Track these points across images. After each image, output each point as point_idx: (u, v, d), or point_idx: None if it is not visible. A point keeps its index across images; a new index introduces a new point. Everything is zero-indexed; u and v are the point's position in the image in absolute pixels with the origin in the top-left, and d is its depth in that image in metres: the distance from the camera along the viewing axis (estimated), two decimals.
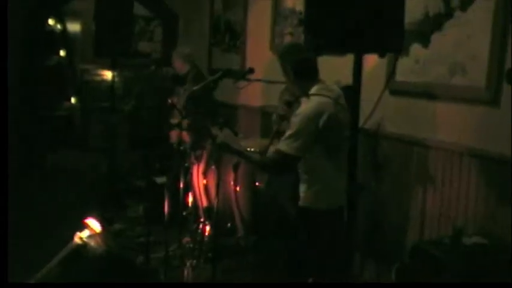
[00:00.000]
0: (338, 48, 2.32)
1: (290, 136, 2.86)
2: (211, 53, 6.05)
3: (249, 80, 3.77)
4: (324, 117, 2.85)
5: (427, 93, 3.47)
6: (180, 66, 4.94)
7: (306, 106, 2.92)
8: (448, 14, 3.28)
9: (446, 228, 3.36)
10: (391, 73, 3.49)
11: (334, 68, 3.44)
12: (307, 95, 2.96)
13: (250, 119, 5.30)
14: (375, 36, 2.20)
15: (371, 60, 3.79)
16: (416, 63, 3.52)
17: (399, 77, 3.63)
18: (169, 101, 4.16)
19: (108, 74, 7.24)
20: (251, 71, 3.78)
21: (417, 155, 3.57)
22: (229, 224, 3.98)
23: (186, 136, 4.02)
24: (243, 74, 3.74)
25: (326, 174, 2.99)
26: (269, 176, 3.43)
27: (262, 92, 4.83)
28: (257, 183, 3.53)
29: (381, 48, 2.30)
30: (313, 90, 2.97)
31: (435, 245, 2.79)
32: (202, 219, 4.15)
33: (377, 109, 3.09)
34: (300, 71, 3.00)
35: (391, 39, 2.25)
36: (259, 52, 5.16)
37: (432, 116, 3.49)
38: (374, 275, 3.83)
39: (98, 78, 8.30)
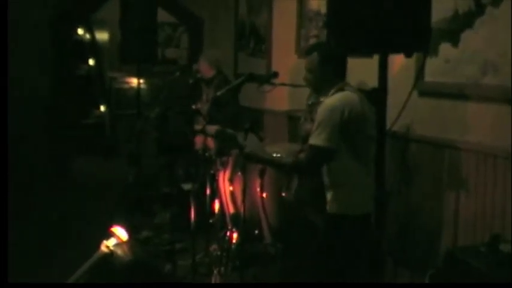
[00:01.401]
0: (362, 50, 2.26)
1: (316, 128, 2.84)
2: (236, 57, 6.01)
3: (273, 84, 3.71)
4: (349, 108, 2.81)
5: (457, 93, 3.35)
6: (206, 70, 4.90)
7: (331, 98, 2.90)
8: (479, 11, 3.15)
9: (482, 234, 3.23)
10: (419, 73, 3.37)
11: (359, 71, 3.36)
12: (333, 92, 2.91)
13: (276, 124, 5.22)
14: (400, 35, 2.13)
15: (398, 61, 3.71)
16: (446, 63, 3.40)
17: (428, 77, 3.52)
18: (194, 106, 4.13)
19: (135, 81, 7.29)
20: (275, 75, 3.73)
21: (448, 158, 3.45)
22: (256, 231, 3.91)
23: (211, 142, 3.97)
24: (267, 78, 3.69)
25: (354, 179, 2.92)
26: (297, 184, 3.36)
27: (288, 96, 4.76)
28: (283, 194, 3.45)
29: (407, 48, 2.22)
30: (340, 85, 2.94)
31: (470, 252, 2.66)
32: (229, 227, 4.09)
33: (405, 111, 3.02)
34: (328, 66, 2.94)
35: (418, 38, 2.17)
36: (285, 56, 5.09)
37: (463, 117, 3.37)
38: (407, 282, 3.71)
39: (126, 85, 8.35)
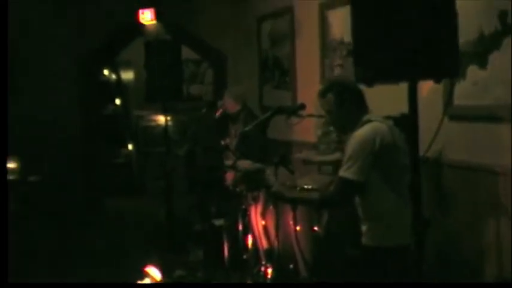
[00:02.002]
0: (391, 78, 2.22)
1: (347, 161, 2.81)
2: (261, 90, 6.02)
3: (301, 116, 3.70)
4: (379, 138, 2.79)
5: (488, 115, 3.28)
6: (231, 105, 4.93)
7: (361, 129, 2.87)
8: (506, 30, 3.10)
9: None
10: (448, 98, 3.32)
11: (384, 98, 3.32)
12: (360, 124, 2.88)
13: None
14: (428, 61, 2.09)
15: (425, 86, 3.66)
16: (474, 85, 3.35)
17: (457, 101, 3.46)
18: (223, 142, 4.14)
19: (161, 119, 7.36)
20: (302, 106, 3.72)
21: (485, 183, 3.36)
22: (291, 266, 3.84)
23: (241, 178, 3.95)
24: (295, 109, 3.68)
25: (389, 210, 2.87)
26: (328, 217, 3.31)
27: (315, 126, 4.71)
28: (315, 228, 3.40)
29: (436, 74, 2.18)
30: (366, 118, 2.90)
31: None
32: (263, 262, 4.03)
33: (437, 136, 2.96)
34: (346, 104, 2.94)
35: (446, 63, 2.13)
36: (310, 86, 5.07)
37: (497, 139, 3.29)
38: None
39: (152, 123, 8.46)
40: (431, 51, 2.07)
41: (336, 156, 4.03)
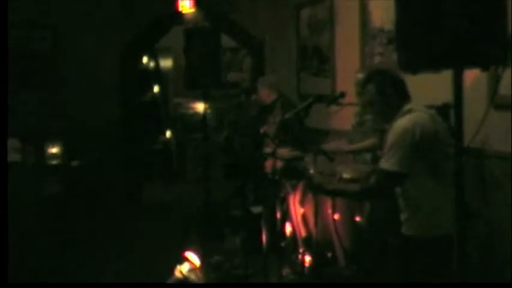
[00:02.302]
0: (435, 65, 2.18)
1: (387, 152, 2.78)
2: (299, 78, 5.99)
3: (341, 104, 3.68)
4: (420, 129, 2.75)
5: None
6: (265, 95, 4.94)
7: (401, 120, 2.83)
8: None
9: None
10: (495, 87, 3.25)
11: (426, 87, 3.27)
12: (401, 115, 2.85)
13: None
14: (475, 49, 2.04)
15: (470, 75, 3.58)
16: None
17: (503, 90, 3.38)
18: (261, 130, 4.14)
19: (199, 106, 7.42)
20: (342, 95, 3.69)
21: None
22: (329, 254, 3.84)
23: (280, 165, 3.95)
24: (335, 98, 3.66)
25: (431, 199, 2.83)
26: (369, 208, 3.29)
27: (354, 114, 4.66)
28: (357, 218, 3.39)
29: (483, 62, 2.13)
30: (407, 107, 2.86)
31: None
32: (301, 250, 4.03)
33: (481, 126, 2.89)
34: (386, 94, 2.90)
35: (494, 50, 2.08)
36: (349, 74, 5.02)
37: None
38: None
39: (190, 110, 8.53)
40: (478, 38, 2.02)
41: (366, 143, 4.00)
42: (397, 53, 2.26)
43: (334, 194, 3.25)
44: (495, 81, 3.19)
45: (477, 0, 2.03)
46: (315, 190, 3.31)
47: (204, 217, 5.29)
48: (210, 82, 5.21)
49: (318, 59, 5.63)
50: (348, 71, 5.11)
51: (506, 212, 3.41)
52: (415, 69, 2.22)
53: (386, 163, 2.75)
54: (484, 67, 2.19)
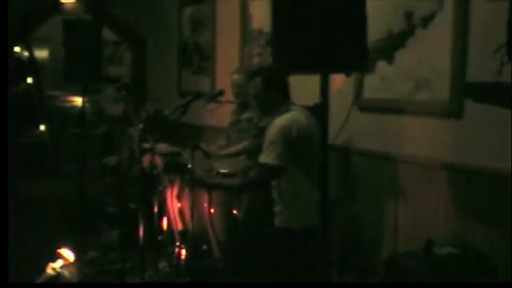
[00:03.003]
0: (305, 68, 2.37)
1: (267, 147, 2.94)
2: (180, 75, 6.06)
3: (220, 102, 3.81)
4: (297, 127, 2.95)
5: (394, 108, 3.53)
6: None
7: (280, 118, 3.01)
8: (410, 31, 3.35)
9: (419, 241, 3.40)
10: (358, 91, 3.55)
11: (303, 88, 3.49)
12: (280, 112, 3.03)
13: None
14: (340, 56, 2.25)
15: (339, 79, 3.87)
16: (383, 80, 3.59)
17: (367, 93, 3.70)
18: (140, 126, 4.15)
19: (77, 100, 7.21)
20: (221, 93, 3.81)
21: (387, 170, 3.63)
22: (204, 247, 3.95)
23: (158, 160, 4.00)
24: (214, 96, 3.77)
25: (301, 194, 3.03)
26: (247, 202, 3.45)
27: (231, 113, 4.81)
28: (234, 211, 3.53)
29: (346, 68, 2.35)
30: (286, 106, 3.05)
31: (408, 257, 2.82)
32: (177, 243, 4.11)
33: (347, 126, 3.16)
34: (272, 90, 3.07)
35: (357, 59, 2.30)
36: (229, 73, 5.17)
37: (401, 130, 3.55)
38: None
39: (68, 104, 8.25)
40: (343, 47, 2.23)
41: (239, 147, 4.17)
42: (272, 54, 2.43)
43: (215, 187, 3.36)
44: (358, 86, 3.49)
45: (343, 12, 2.23)
46: (197, 184, 3.40)
47: (79, 212, 5.19)
48: (90, 76, 5.11)
49: (198, 57, 5.74)
50: (227, 70, 5.24)
51: (365, 202, 3.74)
52: (287, 71, 2.40)
53: (267, 158, 2.93)
54: (347, 73, 2.42)
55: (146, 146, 4.13)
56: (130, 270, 4.26)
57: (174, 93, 5.78)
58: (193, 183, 3.39)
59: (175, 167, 3.55)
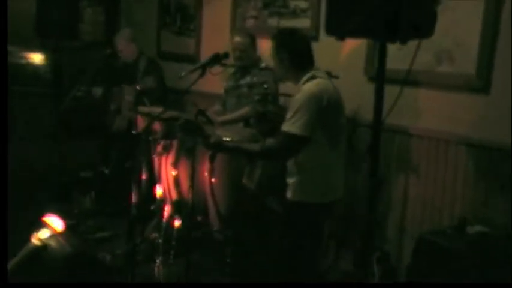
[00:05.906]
0: (361, 34, 2.25)
1: (293, 115, 2.74)
2: (160, 35, 5.72)
3: (224, 65, 3.60)
4: (327, 96, 2.77)
5: (411, 80, 3.43)
6: (123, 47, 4.72)
7: (309, 85, 2.81)
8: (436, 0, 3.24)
9: (430, 216, 3.37)
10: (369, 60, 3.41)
11: None
12: (306, 79, 2.85)
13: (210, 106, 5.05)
14: (404, 20, 2.13)
15: (348, 47, 3.74)
16: (399, 50, 3.46)
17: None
18: (138, 87, 3.90)
19: (34, 57, 6.73)
20: (227, 55, 3.58)
21: (399, 143, 3.55)
22: (200, 218, 3.77)
23: (157, 125, 3.76)
24: (220, 58, 3.53)
25: (324, 166, 2.87)
26: (260, 172, 3.26)
27: (226, 79, 4.59)
28: (244, 181, 3.34)
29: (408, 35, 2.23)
30: (312, 73, 2.87)
31: (440, 235, 2.76)
32: (171, 213, 3.90)
33: (356, 96, 3.03)
34: (300, 59, 2.88)
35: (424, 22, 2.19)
36: (217, 35, 4.94)
37: (416, 103, 3.47)
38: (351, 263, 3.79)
39: (23, 61, 7.71)
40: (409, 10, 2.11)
41: (240, 113, 4.01)
42: (326, 18, 2.26)
43: (234, 150, 3.15)
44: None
45: None
46: (215, 147, 3.17)
47: (52, 179, 4.88)
48: (66, 33, 4.77)
49: (181, 17, 5.42)
50: (215, 31, 5.00)
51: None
52: (342, 35, 2.24)
53: (292, 126, 2.72)
54: (403, 41, 2.29)
55: (142, 109, 3.89)
56: (113, 238, 4.08)
57: (153, 55, 5.45)
58: (209, 147, 3.17)
59: (190, 129, 3.30)
